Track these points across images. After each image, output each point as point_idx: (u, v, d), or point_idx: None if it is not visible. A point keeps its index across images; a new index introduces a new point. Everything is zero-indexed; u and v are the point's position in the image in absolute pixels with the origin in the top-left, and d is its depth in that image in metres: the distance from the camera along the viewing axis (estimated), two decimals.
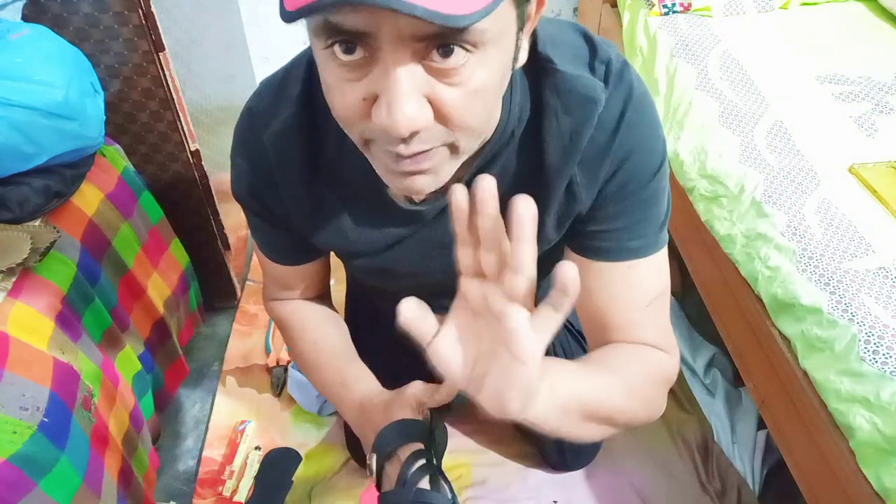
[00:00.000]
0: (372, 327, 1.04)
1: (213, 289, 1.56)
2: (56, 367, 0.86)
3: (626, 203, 0.63)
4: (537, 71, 0.59)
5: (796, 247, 1.00)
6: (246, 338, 1.58)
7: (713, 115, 1.26)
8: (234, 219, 1.57)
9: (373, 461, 0.67)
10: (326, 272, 0.86)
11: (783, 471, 1.09)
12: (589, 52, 0.60)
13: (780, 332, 1.01)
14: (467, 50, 0.44)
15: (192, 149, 1.33)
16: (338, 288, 1.19)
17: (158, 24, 1.15)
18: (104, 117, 1.10)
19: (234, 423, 1.38)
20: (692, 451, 1.28)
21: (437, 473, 0.66)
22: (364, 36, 0.42)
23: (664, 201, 0.66)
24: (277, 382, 1.45)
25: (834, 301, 0.92)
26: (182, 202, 1.40)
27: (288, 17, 0.41)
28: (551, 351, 1.09)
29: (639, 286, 0.67)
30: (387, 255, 0.71)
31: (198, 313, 1.48)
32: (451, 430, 1.29)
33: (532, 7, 0.50)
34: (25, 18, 1.08)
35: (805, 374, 0.95)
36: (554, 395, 0.51)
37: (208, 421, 1.40)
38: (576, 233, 0.67)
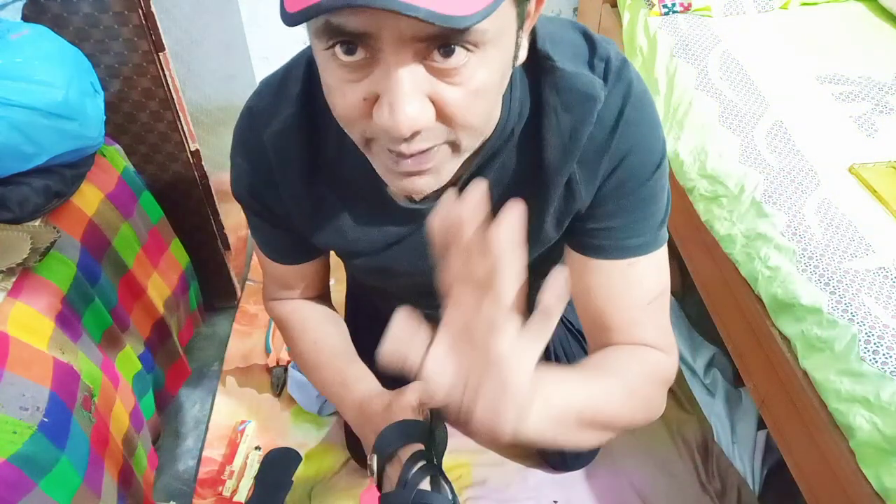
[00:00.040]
0: (372, 327, 1.04)
1: (213, 289, 1.56)
2: (56, 367, 0.86)
3: (626, 201, 0.63)
4: (537, 69, 0.59)
5: (796, 247, 1.00)
6: (246, 338, 1.58)
7: (713, 115, 1.26)
8: (234, 219, 1.57)
9: (373, 462, 0.67)
10: (326, 272, 0.86)
11: (783, 471, 1.09)
12: (588, 50, 0.60)
13: (780, 332, 1.01)
14: (468, 50, 0.44)
15: (192, 149, 1.33)
16: (338, 288, 1.19)
17: (158, 24, 1.15)
18: (104, 117, 1.10)
19: (234, 423, 1.38)
20: (692, 451, 1.28)
21: (437, 474, 0.65)
22: (365, 37, 0.42)
23: (663, 199, 0.66)
24: (277, 382, 1.45)
25: (834, 301, 0.92)
26: (182, 202, 1.40)
27: (289, 19, 0.41)
28: (551, 351, 1.09)
29: (638, 284, 0.67)
30: (386, 255, 0.71)
31: (198, 313, 1.48)
32: (451, 430, 1.29)
33: (531, 5, 0.50)
34: (25, 18, 1.08)
35: (805, 374, 0.95)
36: (549, 408, 0.51)
37: (208, 421, 1.40)
38: (575, 231, 0.67)
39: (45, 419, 0.81)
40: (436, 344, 0.46)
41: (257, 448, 1.33)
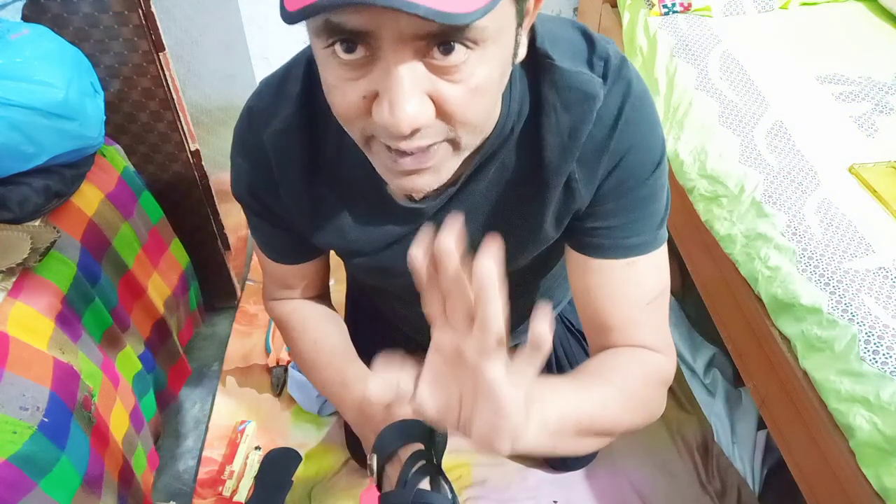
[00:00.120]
0: (372, 327, 1.04)
1: (213, 289, 1.56)
2: (56, 367, 0.86)
3: (625, 200, 0.63)
4: (536, 67, 0.59)
5: (796, 247, 1.00)
6: (246, 338, 1.58)
7: (713, 115, 1.26)
8: (234, 219, 1.57)
9: (373, 462, 0.67)
10: (326, 271, 0.86)
11: (783, 471, 1.09)
12: (587, 49, 0.60)
13: (780, 332, 1.01)
14: (468, 47, 0.44)
15: (192, 149, 1.33)
16: (338, 288, 1.19)
17: (158, 24, 1.15)
18: (104, 117, 1.10)
19: (234, 423, 1.38)
20: (692, 451, 1.28)
21: (437, 474, 0.65)
22: (365, 35, 0.42)
23: (663, 198, 0.66)
24: (277, 382, 1.45)
25: (834, 301, 0.92)
26: (182, 202, 1.40)
27: (289, 17, 0.41)
28: (552, 351, 1.09)
29: (638, 284, 0.67)
30: (386, 254, 0.71)
31: (198, 313, 1.48)
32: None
33: (530, 3, 0.50)
34: (25, 18, 1.08)
35: (805, 374, 0.95)
36: (545, 423, 0.51)
37: (208, 421, 1.40)
38: (575, 230, 0.67)
39: (45, 419, 0.81)
40: (425, 370, 0.47)
41: (257, 448, 1.33)
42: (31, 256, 0.91)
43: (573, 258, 0.69)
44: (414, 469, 0.64)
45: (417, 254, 0.42)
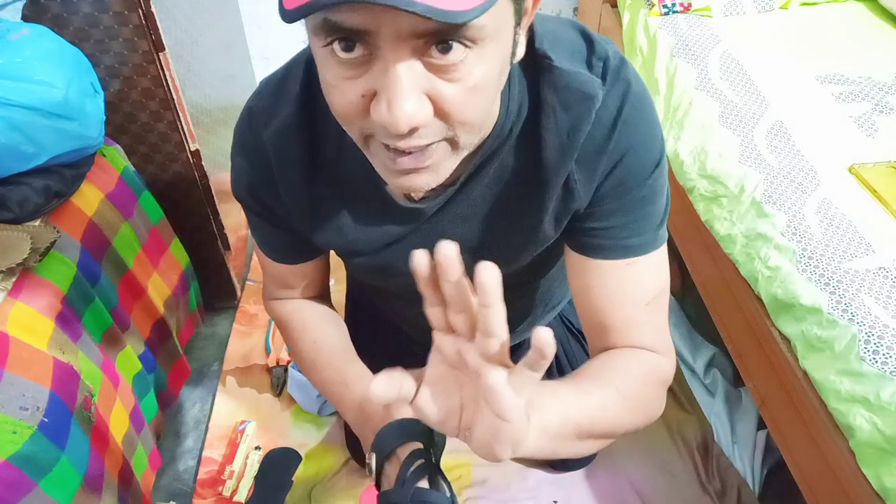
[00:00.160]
0: (372, 327, 1.04)
1: (213, 289, 1.56)
2: (56, 367, 0.86)
3: (624, 200, 0.63)
4: (535, 68, 0.59)
5: (796, 247, 1.00)
6: (246, 338, 1.58)
7: (713, 115, 1.26)
8: (234, 219, 1.57)
9: (372, 460, 0.67)
10: (326, 271, 0.86)
11: (783, 471, 1.09)
12: (586, 49, 0.60)
13: (780, 332, 1.01)
14: (466, 46, 0.44)
15: (192, 149, 1.33)
16: (338, 288, 1.19)
17: (158, 24, 1.15)
18: (104, 117, 1.10)
19: (234, 423, 1.38)
20: (692, 450, 1.28)
21: (436, 473, 0.66)
22: (363, 34, 0.43)
23: (663, 198, 0.66)
24: (277, 382, 1.45)
25: (834, 301, 0.92)
26: (182, 202, 1.40)
27: (287, 16, 0.41)
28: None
29: (638, 284, 0.67)
30: (386, 253, 0.71)
31: (198, 313, 1.48)
32: None
33: (528, 2, 0.50)
34: (25, 18, 1.08)
35: (805, 374, 0.95)
36: (545, 428, 0.51)
37: (208, 421, 1.40)
38: (574, 230, 0.67)
39: (45, 419, 0.81)
40: (427, 375, 0.47)
41: (257, 448, 1.33)
42: (31, 256, 0.91)
43: (572, 258, 0.69)
44: (413, 468, 0.64)
45: (421, 256, 0.42)
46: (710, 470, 1.25)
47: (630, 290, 0.67)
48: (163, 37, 1.17)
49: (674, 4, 1.53)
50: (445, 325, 0.45)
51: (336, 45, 0.44)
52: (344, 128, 0.52)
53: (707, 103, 1.28)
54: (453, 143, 0.51)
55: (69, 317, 0.95)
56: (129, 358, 1.13)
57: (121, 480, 0.99)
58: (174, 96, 1.25)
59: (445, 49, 0.43)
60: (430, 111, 0.46)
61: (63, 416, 0.84)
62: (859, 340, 0.87)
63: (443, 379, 0.47)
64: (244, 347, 1.55)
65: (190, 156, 1.33)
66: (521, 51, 0.53)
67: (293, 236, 0.75)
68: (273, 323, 1.56)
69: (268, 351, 1.53)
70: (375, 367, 0.80)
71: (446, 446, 0.70)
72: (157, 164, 1.33)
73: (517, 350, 1.02)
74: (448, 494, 0.65)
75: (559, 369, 1.10)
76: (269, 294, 0.88)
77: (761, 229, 1.06)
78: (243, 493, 1.25)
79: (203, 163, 1.36)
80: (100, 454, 0.93)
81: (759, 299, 1.06)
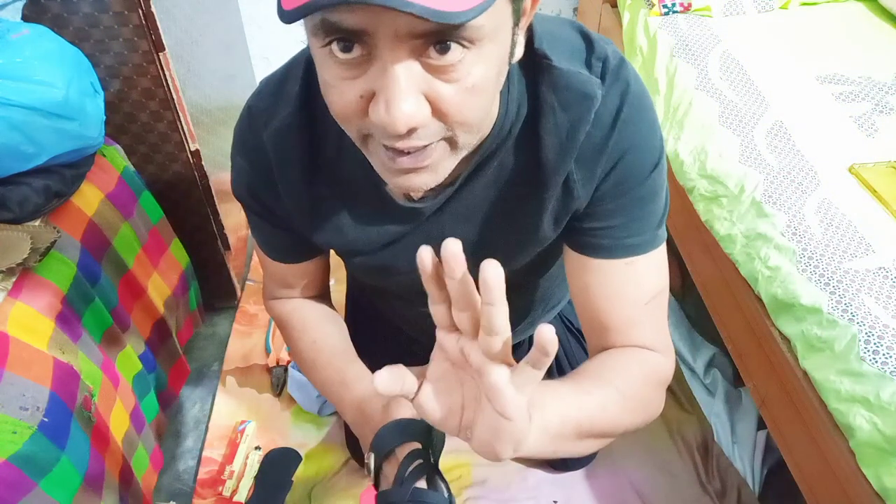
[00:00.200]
0: (372, 327, 1.04)
1: (213, 289, 1.56)
2: (56, 367, 0.86)
3: (624, 200, 0.63)
4: (534, 68, 0.59)
5: (796, 247, 1.00)
6: (246, 338, 1.58)
7: (713, 115, 1.26)
8: (234, 219, 1.57)
9: (371, 460, 0.67)
10: (326, 270, 0.86)
11: (783, 471, 1.09)
12: (586, 49, 0.60)
13: (780, 332, 1.01)
14: (464, 46, 0.44)
15: (192, 149, 1.33)
16: (338, 288, 1.19)
17: (158, 24, 1.15)
18: (104, 117, 1.10)
19: (234, 423, 1.38)
20: (692, 450, 1.28)
21: (434, 473, 0.66)
22: (362, 34, 0.43)
23: (662, 198, 0.66)
24: (277, 382, 1.46)
25: (834, 301, 0.92)
26: (182, 202, 1.40)
27: (286, 16, 0.41)
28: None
29: (637, 284, 0.67)
30: (385, 253, 0.72)
31: (198, 313, 1.49)
32: None
33: (527, 2, 0.50)
34: (25, 18, 1.09)
35: (805, 374, 0.95)
36: (546, 428, 0.51)
37: (208, 421, 1.40)
38: (574, 230, 0.67)
39: (45, 419, 0.81)
40: (429, 373, 0.47)
41: (257, 448, 1.33)
42: (31, 256, 0.91)
43: (572, 258, 0.69)
44: (411, 468, 0.64)
45: (426, 253, 0.42)
46: (710, 470, 1.25)
47: (629, 289, 0.67)
48: (163, 37, 1.17)
49: (674, 4, 1.53)
50: (449, 323, 0.45)
51: (334, 46, 0.44)
52: (343, 128, 0.52)
53: (707, 103, 1.28)
54: (452, 143, 0.51)
55: (69, 317, 0.95)
56: (129, 358, 1.13)
57: (121, 480, 0.99)
58: (174, 96, 1.25)
59: (443, 49, 0.43)
60: (429, 112, 0.46)
61: (63, 416, 0.84)
62: (859, 340, 0.87)
63: (445, 377, 0.47)
64: (244, 347, 1.55)
65: (190, 156, 1.33)
66: (519, 51, 0.53)
67: (293, 236, 0.75)
68: (273, 323, 1.56)
69: (268, 351, 1.53)
70: (375, 367, 0.80)
71: (446, 446, 0.70)
72: (157, 164, 1.33)
73: (517, 350, 1.02)
74: (446, 495, 0.65)
75: (559, 369, 1.10)
76: (269, 293, 0.88)
77: (761, 229, 1.06)
78: (243, 493, 1.25)
79: (203, 163, 1.36)
80: (100, 454, 0.93)
81: (759, 299, 1.06)
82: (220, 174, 1.47)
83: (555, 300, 0.98)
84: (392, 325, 1.02)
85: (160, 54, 1.19)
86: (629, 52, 1.60)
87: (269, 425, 1.39)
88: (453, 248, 0.40)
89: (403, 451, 0.65)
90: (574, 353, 1.10)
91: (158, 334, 1.27)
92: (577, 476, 1.25)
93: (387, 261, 0.73)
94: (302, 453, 1.23)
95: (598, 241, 0.66)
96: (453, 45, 0.43)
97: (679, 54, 1.42)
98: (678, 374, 1.39)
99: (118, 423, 1.02)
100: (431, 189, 0.56)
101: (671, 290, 0.72)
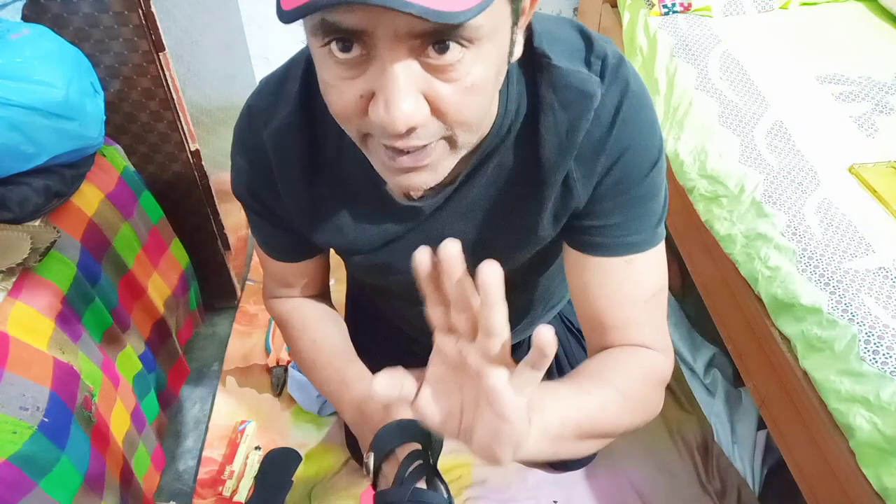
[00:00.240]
0: (372, 327, 1.04)
1: (213, 289, 1.56)
2: (56, 367, 0.86)
3: (623, 198, 0.63)
4: (534, 66, 0.59)
5: (796, 247, 1.00)
6: (246, 338, 1.58)
7: (713, 115, 1.26)
8: (234, 219, 1.58)
9: (370, 460, 0.67)
10: (326, 270, 0.86)
11: (783, 471, 1.09)
12: (585, 48, 0.61)
13: (780, 332, 1.01)
14: (463, 45, 0.44)
15: (192, 149, 1.33)
16: (338, 288, 1.19)
17: (158, 24, 1.15)
18: (104, 117, 1.10)
19: (234, 423, 1.38)
20: (692, 450, 1.28)
21: (433, 473, 0.66)
22: (361, 34, 0.43)
23: (661, 196, 0.66)
24: (277, 382, 1.46)
25: (834, 301, 0.92)
26: (182, 202, 1.40)
27: (285, 16, 0.41)
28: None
29: (636, 282, 0.67)
30: (385, 252, 0.72)
31: (198, 313, 1.49)
32: None
33: (526, 2, 0.50)
34: (25, 18, 1.09)
35: (805, 374, 0.95)
36: (546, 430, 0.50)
37: (208, 421, 1.40)
38: (573, 228, 0.67)
39: (45, 419, 0.81)
40: (428, 376, 0.47)
41: (257, 448, 1.33)
42: (31, 256, 0.91)
43: (571, 256, 0.69)
44: (410, 468, 0.64)
45: (422, 254, 0.41)
46: (710, 470, 1.25)
47: (629, 287, 0.67)
48: (163, 37, 1.17)
49: (674, 4, 1.53)
50: (447, 326, 0.45)
51: (334, 46, 0.44)
52: (342, 127, 0.52)
53: (707, 103, 1.28)
54: (452, 143, 0.51)
55: (69, 317, 0.95)
56: (130, 358, 1.13)
57: (122, 480, 0.99)
58: (174, 96, 1.25)
59: (442, 49, 0.43)
60: (428, 111, 0.46)
61: (63, 416, 0.84)
62: (859, 340, 0.87)
63: (443, 380, 0.47)
64: (244, 347, 1.55)
65: (190, 156, 1.33)
66: (518, 50, 0.53)
67: (293, 235, 0.75)
68: (273, 323, 1.56)
69: (268, 351, 1.53)
70: (375, 367, 0.80)
71: (446, 446, 0.70)
72: (157, 164, 1.33)
73: (516, 350, 1.02)
74: (445, 495, 0.65)
75: (559, 369, 1.10)
76: (269, 292, 0.88)
77: (761, 229, 1.06)
78: (243, 493, 1.25)
79: (203, 163, 1.36)
80: (100, 454, 0.93)
81: (759, 299, 1.06)
82: (220, 174, 1.47)
83: (555, 299, 0.98)
84: (392, 325, 1.02)
85: (160, 54, 1.19)
86: (629, 52, 1.60)
87: (269, 425, 1.39)
88: (452, 249, 0.39)
89: (403, 451, 0.65)
90: (574, 353, 1.10)
91: (158, 334, 1.27)
92: (577, 476, 1.25)
93: (386, 260, 0.73)
94: (302, 453, 1.23)
95: (597, 240, 0.66)
96: (452, 45, 0.43)
97: (679, 54, 1.42)
98: (678, 374, 1.39)
99: (119, 424, 1.02)
100: (431, 188, 0.56)
101: (671, 290, 0.72)
